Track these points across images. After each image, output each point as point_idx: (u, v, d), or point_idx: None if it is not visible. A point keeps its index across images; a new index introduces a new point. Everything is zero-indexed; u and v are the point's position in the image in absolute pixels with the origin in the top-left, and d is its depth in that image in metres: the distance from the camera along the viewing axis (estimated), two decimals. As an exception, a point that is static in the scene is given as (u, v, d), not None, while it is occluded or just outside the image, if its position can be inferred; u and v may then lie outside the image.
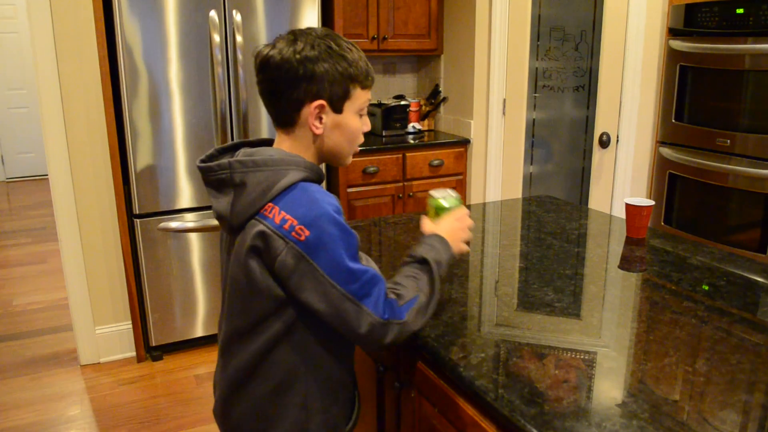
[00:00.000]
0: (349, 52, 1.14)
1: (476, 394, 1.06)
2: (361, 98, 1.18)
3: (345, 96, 1.15)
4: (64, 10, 2.69)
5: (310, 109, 1.13)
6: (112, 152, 2.73)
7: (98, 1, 2.57)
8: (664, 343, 1.19)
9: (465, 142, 3.73)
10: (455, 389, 1.16)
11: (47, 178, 6.98)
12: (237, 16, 2.81)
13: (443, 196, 1.37)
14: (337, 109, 1.16)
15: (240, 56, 2.84)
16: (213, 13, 2.76)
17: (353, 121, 1.19)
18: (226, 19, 2.81)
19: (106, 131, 2.82)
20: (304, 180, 1.12)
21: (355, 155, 1.45)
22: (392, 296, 1.12)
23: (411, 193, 3.61)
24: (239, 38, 2.83)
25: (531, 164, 3.83)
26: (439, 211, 1.36)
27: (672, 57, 3.42)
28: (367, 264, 1.12)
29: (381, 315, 1.08)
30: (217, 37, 2.78)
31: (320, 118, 1.15)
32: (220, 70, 2.82)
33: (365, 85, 1.18)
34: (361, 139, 1.23)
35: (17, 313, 3.64)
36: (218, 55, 2.80)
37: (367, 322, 1.07)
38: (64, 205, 2.85)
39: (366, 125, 1.23)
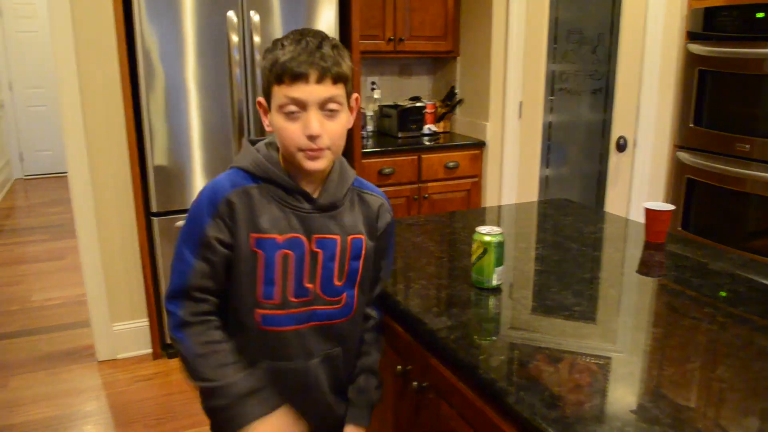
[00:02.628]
0: (280, 48, 1.09)
1: (496, 396, 1.06)
2: (277, 96, 1.10)
3: (268, 93, 1.13)
4: (84, 11, 2.72)
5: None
6: (130, 151, 2.76)
7: (118, 2, 2.60)
8: (684, 349, 1.19)
9: (481, 145, 3.72)
10: (475, 391, 1.16)
11: (65, 176, 7.06)
12: (255, 17, 2.83)
13: (488, 232, 1.41)
14: (269, 106, 1.14)
15: (257, 56, 2.86)
16: (231, 14, 2.78)
17: (277, 120, 1.12)
18: (243, 19, 2.83)
19: (124, 130, 2.85)
20: (239, 169, 1.18)
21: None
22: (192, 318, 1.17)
23: (426, 195, 3.61)
24: (257, 38, 2.84)
25: (547, 167, 3.82)
26: (487, 245, 1.40)
27: (691, 61, 3.39)
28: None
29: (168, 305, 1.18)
30: (234, 38, 2.80)
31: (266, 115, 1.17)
32: (237, 70, 2.84)
33: (281, 81, 1.08)
34: (299, 142, 1.11)
35: (35, 308, 3.68)
36: (236, 55, 2.82)
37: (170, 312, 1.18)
38: (83, 202, 2.88)
39: (307, 127, 1.09)
